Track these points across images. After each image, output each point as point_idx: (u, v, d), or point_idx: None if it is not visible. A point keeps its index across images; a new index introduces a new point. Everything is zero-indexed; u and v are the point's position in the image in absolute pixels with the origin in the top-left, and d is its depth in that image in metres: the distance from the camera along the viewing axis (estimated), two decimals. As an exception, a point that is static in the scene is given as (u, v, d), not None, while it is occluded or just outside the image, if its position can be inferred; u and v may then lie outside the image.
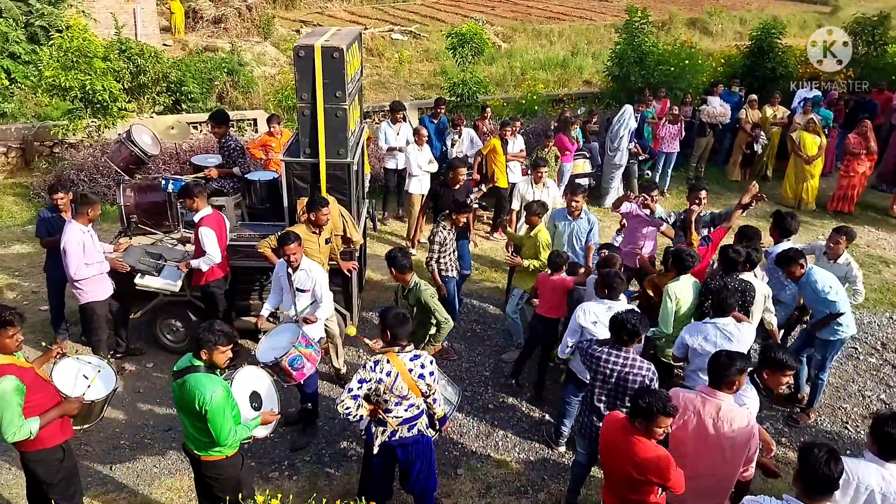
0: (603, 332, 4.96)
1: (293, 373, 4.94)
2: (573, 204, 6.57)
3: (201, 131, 11.48)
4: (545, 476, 5.55)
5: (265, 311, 5.73)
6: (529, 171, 9.77)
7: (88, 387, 4.34)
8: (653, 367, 4.46)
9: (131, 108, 11.33)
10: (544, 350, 6.28)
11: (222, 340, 3.99)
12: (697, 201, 6.55)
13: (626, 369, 4.41)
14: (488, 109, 10.58)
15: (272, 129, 9.06)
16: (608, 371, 4.46)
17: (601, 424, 4.43)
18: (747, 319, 5.34)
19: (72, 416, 4.23)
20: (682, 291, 5.58)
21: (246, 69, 14.92)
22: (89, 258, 5.91)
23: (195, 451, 4.17)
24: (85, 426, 4.51)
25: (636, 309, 4.96)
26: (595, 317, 5.15)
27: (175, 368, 4.09)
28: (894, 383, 6.85)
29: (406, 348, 4.35)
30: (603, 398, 4.52)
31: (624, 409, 4.21)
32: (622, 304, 5.19)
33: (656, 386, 4.37)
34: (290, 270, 5.48)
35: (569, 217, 6.61)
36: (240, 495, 4.29)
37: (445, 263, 6.77)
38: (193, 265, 6.09)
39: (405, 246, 9.25)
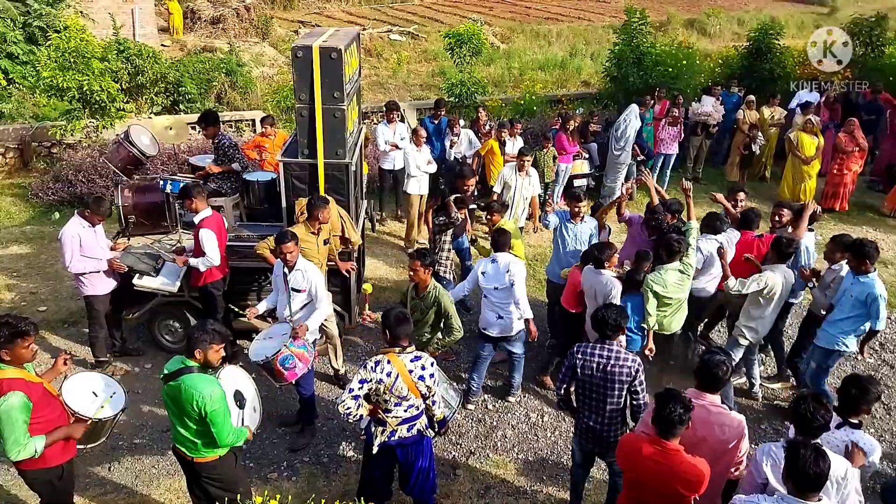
0: (488, 281, 5.86)
1: (284, 372, 4.93)
2: (575, 210, 6.70)
3: (199, 132, 11.48)
4: (544, 477, 5.56)
5: (261, 307, 5.72)
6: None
7: (102, 407, 4.30)
8: (638, 359, 4.53)
9: (129, 109, 11.32)
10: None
11: (217, 339, 4.02)
12: (734, 202, 7.09)
13: (612, 362, 4.47)
14: (482, 111, 10.53)
15: (265, 130, 9.05)
16: (594, 364, 4.50)
17: (592, 423, 4.56)
18: None
19: (76, 438, 4.19)
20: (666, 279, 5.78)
21: (244, 70, 14.90)
22: (88, 252, 5.94)
23: (188, 454, 4.15)
24: (90, 445, 4.48)
25: (617, 304, 5.27)
26: (484, 267, 5.94)
27: (166, 371, 4.04)
28: (892, 383, 6.86)
29: (407, 349, 4.35)
30: (593, 394, 4.55)
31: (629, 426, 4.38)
32: (504, 255, 5.89)
33: (642, 376, 4.49)
34: (285, 270, 5.47)
35: (572, 221, 6.73)
36: (237, 495, 4.29)
37: (444, 264, 6.77)
38: (192, 263, 6.08)
39: (404, 247, 9.25)
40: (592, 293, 5.84)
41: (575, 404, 4.77)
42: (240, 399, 4.40)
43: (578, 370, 4.55)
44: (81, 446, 4.39)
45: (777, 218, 6.71)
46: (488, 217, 6.86)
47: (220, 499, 4.23)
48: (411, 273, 5.45)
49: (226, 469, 4.27)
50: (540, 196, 9.99)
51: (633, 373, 4.46)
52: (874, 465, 4.02)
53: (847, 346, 5.82)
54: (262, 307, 5.70)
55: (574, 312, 6.20)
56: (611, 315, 4.55)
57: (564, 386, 4.73)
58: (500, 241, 5.97)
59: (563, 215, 6.84)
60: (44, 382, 4.08)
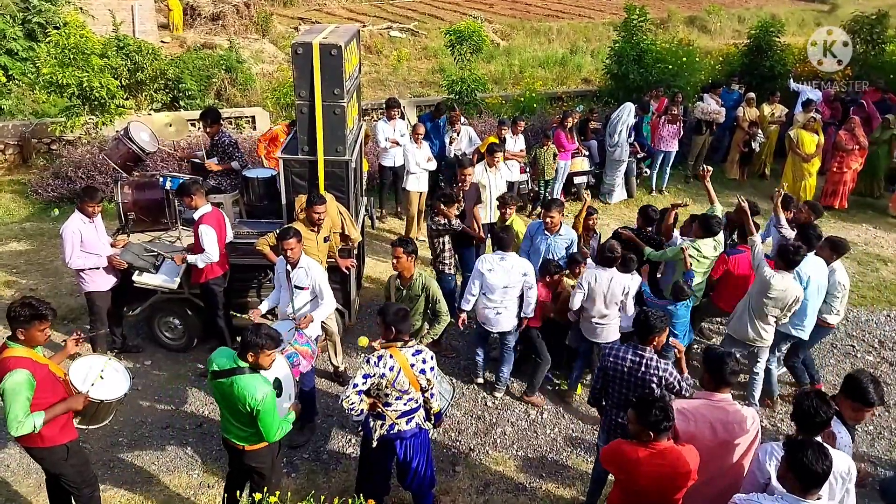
0: (496, 280, 5.80)
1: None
2: (548, 220, 6.35)
3: (199, 128, 11.46)
4: (543, 473, 5.56)
5: (263, 307, 5.73)
6: (528, 169, 9.81)
7: (107, 385, 4.36)
8: (669, 366, 4.43)
9: (129, 106, 11.30)
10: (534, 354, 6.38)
11: (269, 344, 4.09)
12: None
13: (643, 368, 4.39)
14: (454, 112, 10.35)
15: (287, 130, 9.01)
16: (625, 368, 4.44)
17: (621, 419, 4.49)
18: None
19: (77, 411, 4.23)
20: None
21: (244, 66, 14.88)
22: (89, 248, 5.95)
23: (238, 444, 4.27)
24: (93, 426, 4.52)
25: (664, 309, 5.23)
26: (490, 265, 5.87)
27: (217, 368, 4.11)
28: (892, 381, 6.87)
29: (408, 343, 4.36)
30: (622, 392, 4.50)
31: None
32: (514, 256, 5.87)
33: (673, 377, 4.39)
34: (288, 267, 5.47)
35: (546, 232, 6.41)
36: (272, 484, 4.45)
37: (447, 262, 6.76)
38: (190, 261, 6.08)
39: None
40: (600, 293, 5.73)
41: (603, 402, 4.72)
42: (278, 387, 4.49)
43: (609, 371, 4.53)
44: (84, 426, 4.44)
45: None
46: (500, 210, 6.84)
47: (258, 485, 4.39)
48: (394, 261, 5.47)
49: (271, 457, 4.43)
50: (537, 192, 10.04)
51: (662, 381, 4.36)
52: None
53: (798, 333, 6.03)
54: (264, 307, 5.70)
55: (534, 327, 6.19)
56: (650, 315, 4.45)
57: (597, 388, 4.69)
58: (506, 239, 5.90)
59: (537, 227, 6.54)
60: (49, 364, 4.15)
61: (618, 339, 5.93)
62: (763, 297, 5.64)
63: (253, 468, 4.41)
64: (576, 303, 5.84)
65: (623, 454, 3.77)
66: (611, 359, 4.52)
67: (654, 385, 4.35)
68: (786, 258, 5.57)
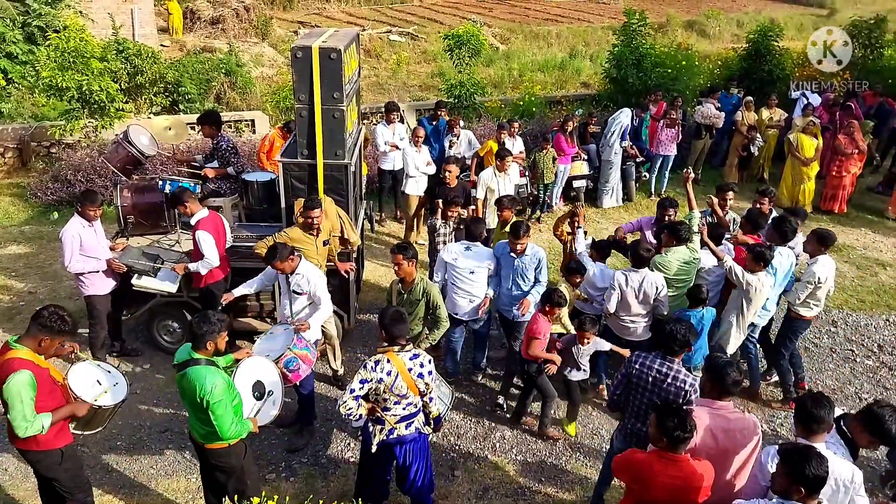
0: (462, 264, 6.02)
1: (288, 374, 4.95)
2: (518, 246, 5.98)
3: (198, 132, 11.47)
4: (542, 478, 5.55)
5: (237, 291, 5.77)
6: (528, 173, 9.81)
7: (105, 392, 4.38)
8: (696, 383, 4.37)
9: (128, 109, 11.31)
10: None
11: (222, 328, 4.10)
12: (722, 201, 6.91)
13: (668, 380, 4.36)
14: (448, 115, 10.22)
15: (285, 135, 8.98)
16: (650, 378, 4.40)
17: (638, 428, 4.49)
18: None
19: (78, 417, 4.25)
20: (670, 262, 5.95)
21: (243, 70, 14.91)
22: (88, 252, 5.95)
23: (199, 440, 4.25)
24: (87, 432, 4.51)
25: (684, 319, 5.12)
26: (455, 254, 6.08)
27: (176, 361, 4.15)
28: (891, 385, 6.87)
29: (405, 347, 4.36)
30: (643, 403, 4.48)
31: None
32: (480, 246, 6.11)
33: (694, 398, 4.31)
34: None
35: (512, 254, 6.07)
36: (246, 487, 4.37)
37: None
38: (192, 269, 6.08)
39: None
40: (632, 294, 5.78)
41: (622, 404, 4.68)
42: (259, 390, 4.46)
43: (634, 379, 4.49)
44: (79, 432, 4.43)
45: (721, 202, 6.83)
46: (498, 213, 6.88)
47: (226, 485, 4.34)
48: (395, 268, 5.49)
49: (234, 459, 4.35)
50: (536, 196, 10.05)
51: (684, 394, 4.31)
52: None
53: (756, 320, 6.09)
54: (237, 291, 5.75)
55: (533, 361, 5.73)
56: (679, 330, 4.37)
57: (617, 393, 4.65)
58: (476, 230, 6.13)
59: (503, 248, 6.24)
60: (50, 368, 4.15)
61: (649, 338, 5.97)
62: (753, 304, 5.71)
63: (215, 466, 4.37)
64: (612, 305, 5.91)
65: (636, 464, 3.75)
66: (636, 366, 4.48)
67: (679, 398, 4.30)
68: (762, 259, 5.63)
